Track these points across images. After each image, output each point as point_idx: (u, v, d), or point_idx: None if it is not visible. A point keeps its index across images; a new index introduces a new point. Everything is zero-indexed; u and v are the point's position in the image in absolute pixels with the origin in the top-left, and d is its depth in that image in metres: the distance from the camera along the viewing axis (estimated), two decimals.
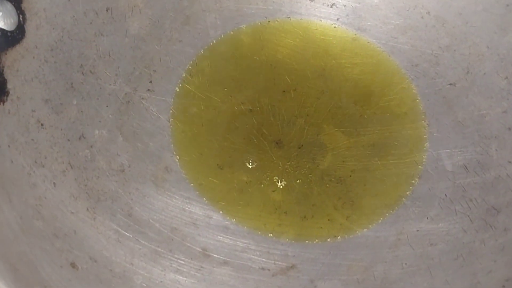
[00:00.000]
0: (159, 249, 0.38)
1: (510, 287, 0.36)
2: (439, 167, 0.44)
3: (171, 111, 0.45)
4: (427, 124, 0.46)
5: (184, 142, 0.44)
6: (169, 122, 0.45)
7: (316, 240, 0.41)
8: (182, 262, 0.38)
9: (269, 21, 0.50)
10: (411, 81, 0.47)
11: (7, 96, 0.36)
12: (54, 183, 0.36)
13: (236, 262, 0.39)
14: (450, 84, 0.47)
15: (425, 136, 0.45)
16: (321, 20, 0.50)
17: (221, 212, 0.42)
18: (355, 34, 0.49)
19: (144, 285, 0.35)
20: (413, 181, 0.43)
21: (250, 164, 0.43)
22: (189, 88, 0.47)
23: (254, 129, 0.45)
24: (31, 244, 0.32)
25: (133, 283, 0.35)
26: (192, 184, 0.43)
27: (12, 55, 0.37)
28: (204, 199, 0.42)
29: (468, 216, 0.40)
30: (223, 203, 0.42)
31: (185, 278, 0.37)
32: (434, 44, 0.48)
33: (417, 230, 0.41)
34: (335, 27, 0.49)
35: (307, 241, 0.41)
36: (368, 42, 0.49)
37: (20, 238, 0.31)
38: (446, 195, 0.42)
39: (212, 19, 0.49)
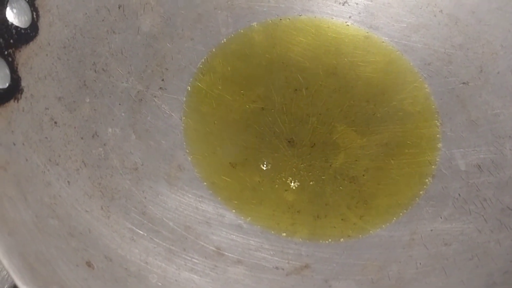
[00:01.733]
0: (173, 248, 0.38)
1: None
2: (453, 166, 0.43)
3: (183, 109, 0.45)
4: (440, 123, 0.46)
5: (196, 141, 0.44)
6: (181, 120, 0.45)
7: (330, 240, 0.41)
8: (196, 261, 0.38)
9: (280, 19, 0.50)
10: (424, 80, 0.47)
11: (22, 93, 0.36)
12: (68, 182, 0.36)
13: (250, 261, 0.39)
14: (463, 83, 0.46)
15: (438, 136, 0.45)
16: (333, 18, 0.50)
17: (234, 211, 0.42)
18: (367, 32, 0.49)
19: (159, 284, 0.35)
20: (427, 181, 0.43)
21: (264, 165, 0.43)
22: (201, 86, 0.46)
23: (266, 128, 0.45)
24: (47, 243, 0.31)
25: (148, 282, 0.35)
26: (205, 183, 0.42)
27: (26, 53, 0.37)
28: (217, 197, 0.42)
29: (483, 216, 0.40)
30: (236, 201, 0.42)
31: (199, 277, 0.37)
32: (447, 43, 0.48)
33: (431, 230, 0.40)
34: (347, 25, 0.49)
35: (320, 241, 0.41)
36: (380, 41, 0.49)
37: (37, 237, 0.31)
38: (459, 195, 0.42)
39: (224, 17, 0.49)
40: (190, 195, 0.41)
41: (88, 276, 0.32)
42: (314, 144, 0.45)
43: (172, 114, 0.45)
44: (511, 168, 0.42)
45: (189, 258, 0.38)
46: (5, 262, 0.28)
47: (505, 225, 0.39)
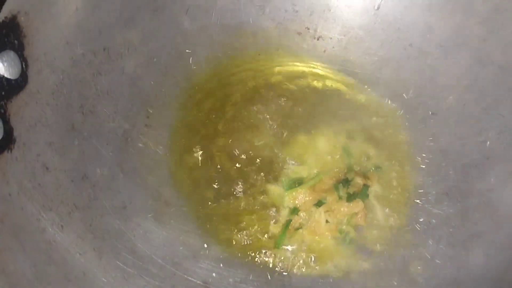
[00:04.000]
0: (163, 285, 0.40)
1: None
2: (423, 194, 0.46)
3: (168, 145, 0.47)
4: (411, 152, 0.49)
5: (181, 176, 0.46)
6: (166, 156, 0.47)
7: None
8: None
9: (259, 54, 0.52)
10: (396, 111, 0.50)
11: (14, 143, 0.38)
12: (61, 226, 0.38)
13: None
14: (432, 114, 0.49)
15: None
16: (308, 52, 0.52)
17: (218, 242, 0.44)
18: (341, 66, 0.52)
19: None
20: None
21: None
22: (184, 121, 0.49)
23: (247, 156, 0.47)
24: None
25: None
26: (189, 218, 0.45)
27: (17, 103, 0.38)
28: (202, 232, 0.44)
29: (451, 242, 0.43)
30: (218, 235, 0.44)
31: None
32: (416, 75, 0.51)
33: (403, 257, 0.43)
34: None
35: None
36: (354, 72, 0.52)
37: (35, 286, 0.33)
38: (430, 222, 0.45)
39: (205, 53, 0.51)
40: (177, 231, 0.44)
41: None
42: None
43: (158, 151, 0.47)
44: (476, 196, 0.45)
45: None
46: None
47: (471, 251, 0.42)
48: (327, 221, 0.44)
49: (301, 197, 0.45)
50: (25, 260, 0.34)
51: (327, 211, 0.45)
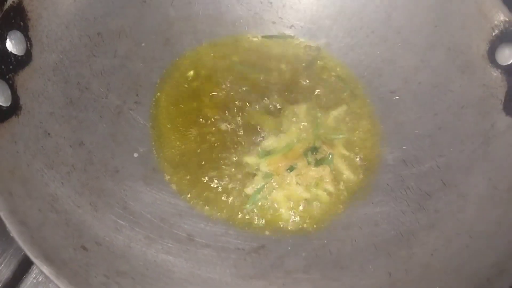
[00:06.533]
0: (151, 235, 0.45)
1: (437, 256, 0.44)
2: (382, 161, 0.52)
3: (155, 120, 0.53)
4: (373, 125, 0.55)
5: (167, 146, 0.52)
6: (154, 129, 0.52)
7: (282, 225, 0.49)
8: (171, 245, 0.45)
9: (237, 41, 0.58)
10: (360, 90, 0.56)
11: (21, 110, 0.43)
12: (62, 183, 0.43)
13: (216, 245, 0.46)
14: (391, 92, 0.56)
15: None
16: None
17: (200, 204, 0.49)
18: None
19: (141, 263, 0.42)
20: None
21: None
22: (170, 98, 0.54)
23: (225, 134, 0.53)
24: (51, 231, 0.38)
25: (132, 262, 0.42)
26: (175, 182, 0.50)
27: (23, 76, 0.44)
28: (186, 194, 0.49)
29: (406, 201, 0.49)
30: (202, 196, 0.50)
31: (174, 258, 0.44)
32: (377, 59, 0.57)
33: (365, 214, 0.49)
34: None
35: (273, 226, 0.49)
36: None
37: (42, 226, 0.38)
38: (388, 184, 0.51)
39: (189, 40, 0.57)
40: (164, 192, 0.49)
41: (83, 257, 0.39)
42: None
43: (146, 124, 0.52)
44: (429, 161, 0.50)
45: (165, 243, 0.45)
46: (20, 243, 0.35)
47: (423, 208, 0.48)
48: (297, 183, 0.50)
49: (274, 163, 0.51)
50: (32, 205, 0.39)
51: (298, 175, 0.50)
